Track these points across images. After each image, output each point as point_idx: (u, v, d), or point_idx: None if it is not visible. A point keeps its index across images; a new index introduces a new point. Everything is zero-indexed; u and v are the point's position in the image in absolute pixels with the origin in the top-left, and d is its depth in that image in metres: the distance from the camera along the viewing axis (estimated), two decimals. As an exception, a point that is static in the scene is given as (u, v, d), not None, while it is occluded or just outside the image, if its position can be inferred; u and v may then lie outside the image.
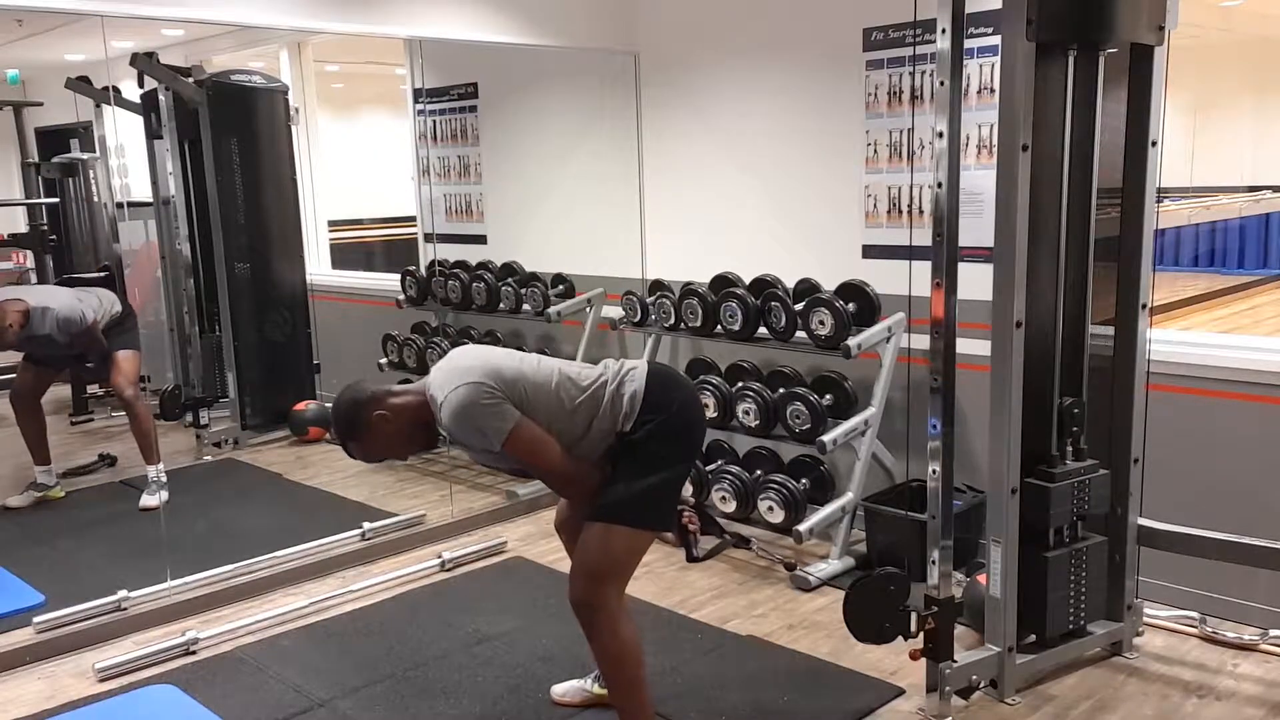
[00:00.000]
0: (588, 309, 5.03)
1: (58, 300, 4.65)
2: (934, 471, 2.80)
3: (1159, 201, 3.11)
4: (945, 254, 2.72)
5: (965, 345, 2.95)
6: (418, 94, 5.78)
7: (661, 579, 3.91)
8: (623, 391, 2.56)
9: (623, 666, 2.57)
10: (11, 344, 4.57)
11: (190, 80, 5.61)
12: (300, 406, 5.91)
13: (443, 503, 4.71)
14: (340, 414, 2.58)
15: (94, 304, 4.73)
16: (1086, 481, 3.01)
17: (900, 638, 2.82)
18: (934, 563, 2.81)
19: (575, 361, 2.83)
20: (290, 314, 6.03)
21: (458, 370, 2.51)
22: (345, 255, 7.54)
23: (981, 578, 3.09)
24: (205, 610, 3.70)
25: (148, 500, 4.68)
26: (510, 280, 5.22)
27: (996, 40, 3.45)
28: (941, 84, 2.67)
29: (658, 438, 2.55)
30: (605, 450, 2.58)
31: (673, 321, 4.45)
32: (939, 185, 2.70)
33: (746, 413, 4.09)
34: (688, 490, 4.17)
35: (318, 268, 6.54)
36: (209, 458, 5.61)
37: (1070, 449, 3.02)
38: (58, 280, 5.79)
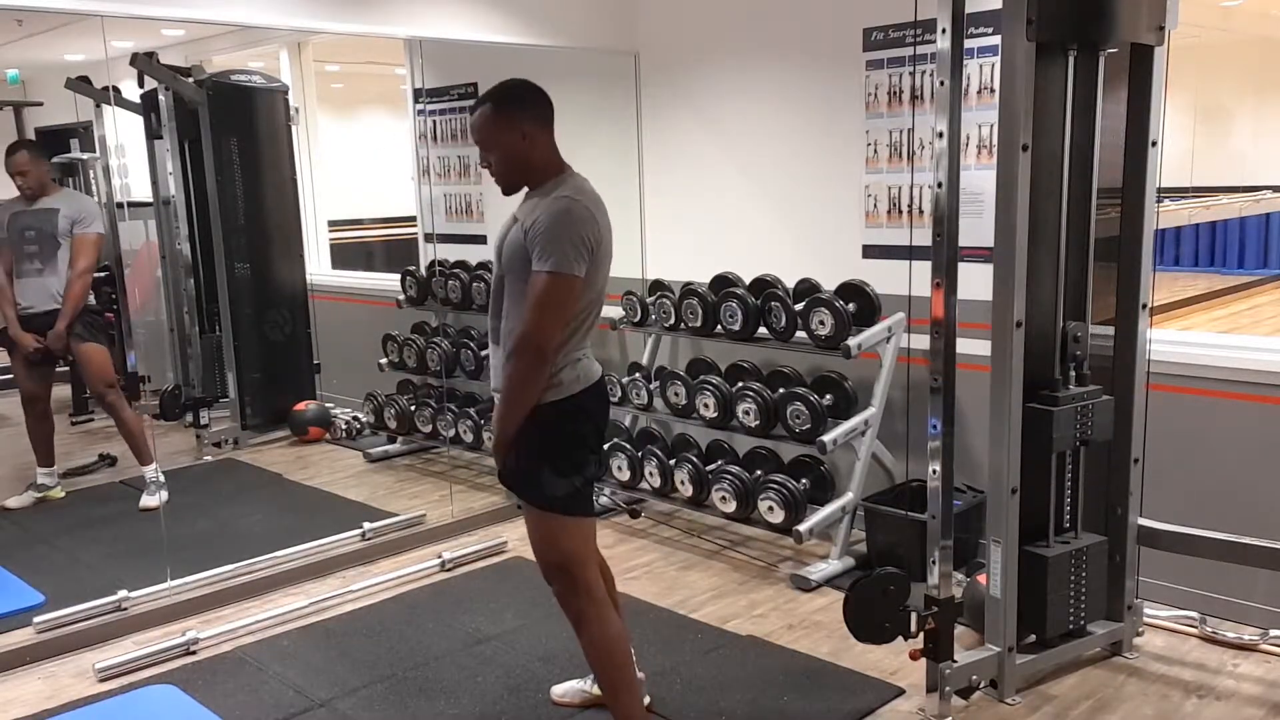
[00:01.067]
0: (588, 309, 5.02)
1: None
2: (934, 471, 2.80)
3: (1159, 201, 3.11)
4: (945, 254, 2.72)
5: (965, 345, 2.95)
6: (418, 94, 5.78)
7: (661, 579, 3.91)
8: (589, 363, 2.56)
9: (610, 657, 2.59)
10: (26, 185, 4.62)
11: (190, 80, 5.61)
12: (300, 406, 5.91)
13: (443, 503, 4.71)
14: (516, 84, 2.50)
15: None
16: (1089, 406, 2.98)
17: (900, 638, 2.82)
18: (934, 563, 2.81)
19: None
20: (290, 314, 6.04)
21: (593, 199, 2.48)
22: (345, 255, 7.55)
23: (981, 578, 3.09)
24: (205, 610, 3.70)
25: (148, 500, 4.68)
26: (510, 280, 5.21)
27: (996, 40, 3.45)
28: (941, 84, 2.67)
29: (572, 432, 2.51)
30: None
31: (673, 321, 4.45)
32: (939, 185, 2.70)
33: (746, 413, 4.09)
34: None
35: (318, 268, 6.54)
36: (209, 458, 5.61)
37: (1073, 374, 2.99)
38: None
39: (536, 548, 2.61)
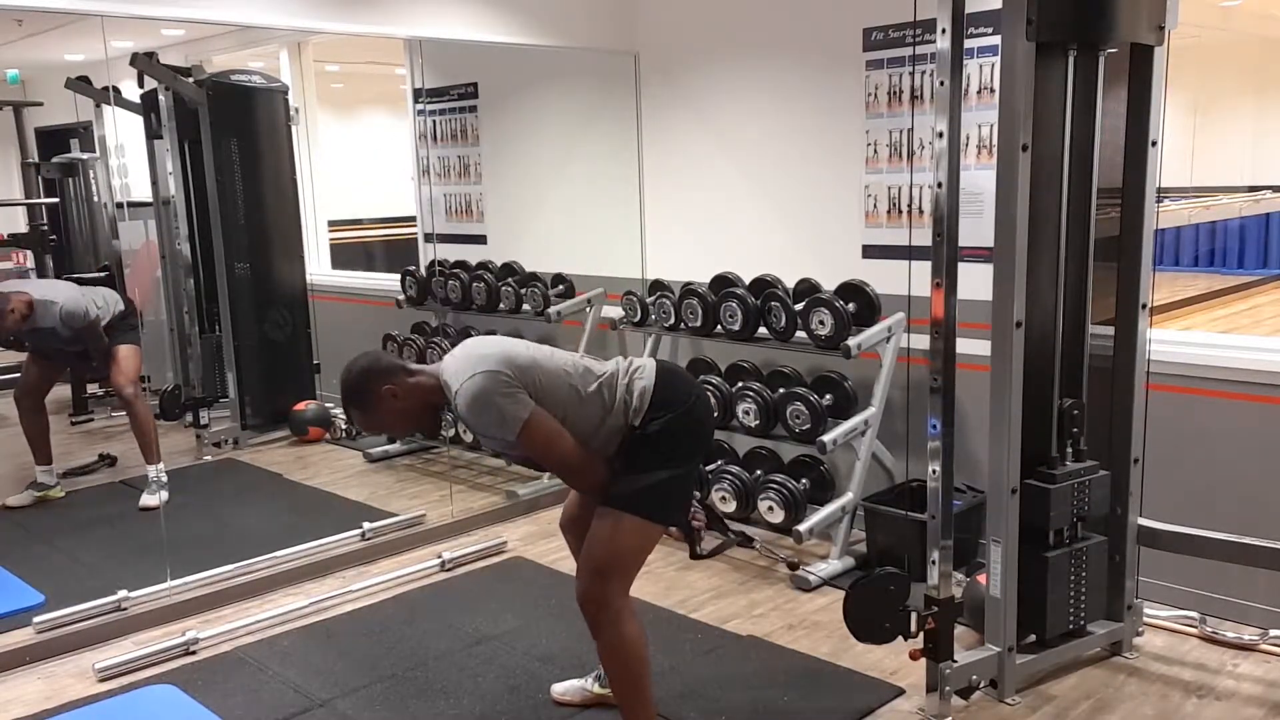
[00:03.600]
0: (588, 309, 5.03)
1: (63, 294, 4.69)
2: (934, 471, 2.80)
3: (1159, 201, 3.11)
4: (945, 254, 2.71)
5: (965, 345, 2.95)
6: (418, 94, 5.78)
7: (661, 579, 3.91)
8: (633, 387, 2.57)
9: (627, 664, 2.58)
10: (13, 330, 4.59)
11: (190, 80, 5.61)
12: (300, 406, 5.91)
13: (443, 503, 4.71)
14: (351, 379, 2.57)
15: (98, 300, 4.77)
16: (1086, 482, 3.01)
17: (900, 638, 2.82)
18: (934, 563, 2.81)
19: (586, 356, 2.84)
20: (290, 314, 6.03)
21: (473, 358, 2.51)
22: (345, 255, 7.54)
23: (981, 578, 3.09)
24: (205, 610, 3.70)
25: (148, 500, 4.68)
26: (510, 280, 5.22)
27: (996, 40, 3.45)
28: (941, 84, 2.67)
29: (668, 434, 2.56)
30: (618, 445, 2.58)
31: (673, 321, 4.45)
32: (939, 185, 2.70)
33: (746, 413, 4.09)
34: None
35: (318, 268, 6.54)
36: (209, 458, 5.61)
37: (1070, 450, 3.02)
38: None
39: (592, 550, 2.57)
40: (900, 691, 3.02)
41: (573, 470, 2.61)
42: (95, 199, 6.37)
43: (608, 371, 2.62)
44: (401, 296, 5.74)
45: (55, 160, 6.38)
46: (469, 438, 5.11)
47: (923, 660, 2.84)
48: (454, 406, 2.52)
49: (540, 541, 4.32)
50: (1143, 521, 3.18)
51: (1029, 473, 2.95)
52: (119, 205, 6.20)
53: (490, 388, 2.45)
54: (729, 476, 4.11)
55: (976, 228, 3.50)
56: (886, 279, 3.93)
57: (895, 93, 4.02)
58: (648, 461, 2.56)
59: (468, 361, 2.51)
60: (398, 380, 2.56)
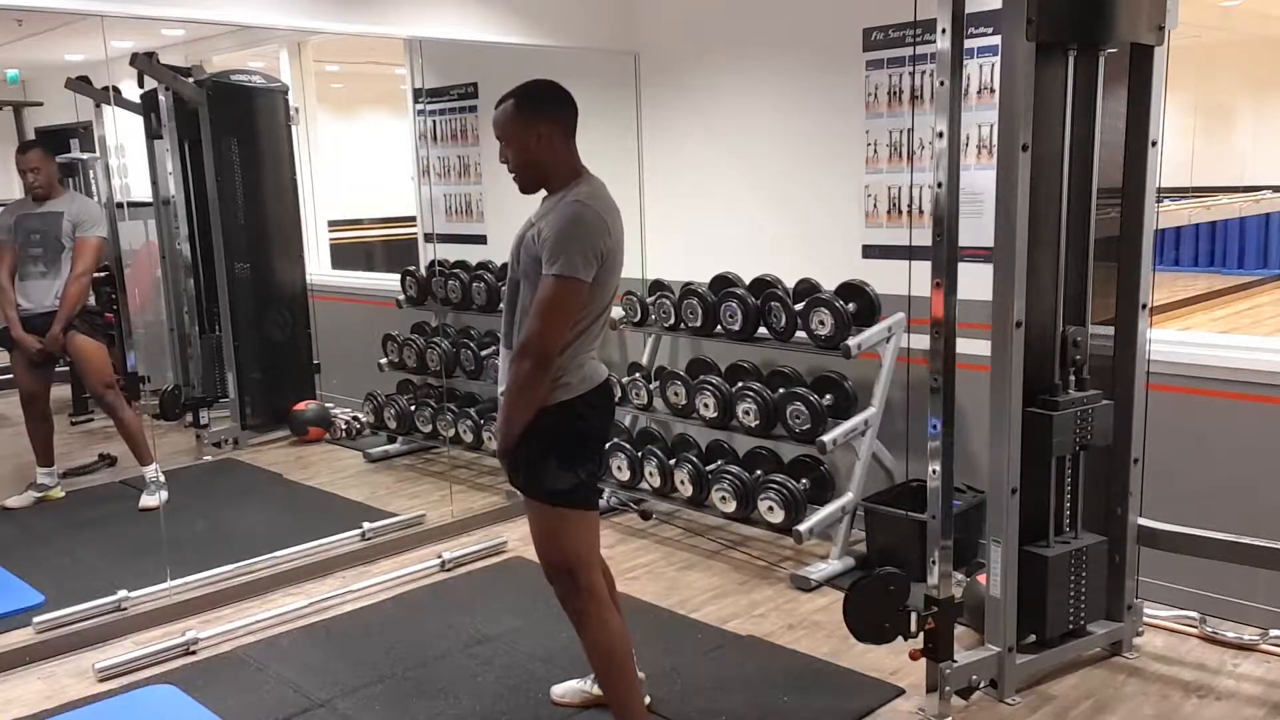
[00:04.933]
0: (588, 309, 5.02)
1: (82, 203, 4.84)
2: (934, 471, 2.80)
3: (1159, 201, 3.11)
4: (945, 254, 2.72)
5: (965, 345, 2.95)
6: (418, 94, 5.78)
7: (661, 579, 3.91)
8: (594, 365, 2.58)
9: (612, 656, 2.59)
10: (36, 186, 4.68)
11: (190, 80, 5.61)
12: (300, 406, 5.91)
13: (443, 503, 4.71)
14: (539, 86, 2.52)
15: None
16: (1089, 410, 2.98)
17: (900, 638, 2.82)
18: (934, 563, 2.81)
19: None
20: (290, 314, 6.04)
21: (609, 204, 2.49)
22: (345, 255, 7.54)
23: (981, 578, 3.09)
24: (205, 610, 3.70)
25: (147, 500, 4.68)
26: (510, 280, 5.21)
27: (996, 40, 3.45)
28: (941, 84, 2.67)
29: (581, 432, 2.55)
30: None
31: (673, 321, 4.45)
32: (939, 185, 2.70)
33: (746, 413, 4.09)
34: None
35: (318, 268, 6.54)
36: (209, 458, 5.61)
37: (1073, 378, 2.99)
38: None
39: (540, 547, 2.61)
40: (900, 691, 3.02)
41: (542, 353, 2.41)
42: (95, 199, 6.36)
43: (597, 341, 2.61)
44: (401, 296, 5.74)
45: (55, 160, 6.37)
46: (469, 438, 5.11)
47: (923, 660, 2.84)
48: (556, 198, 2.46)
49: (540, 541, 4.32)
50: (1143, 521, 3.18)
51: (1031, 401, 2.92)
52: (119, 205, 6.18)
53: (590, 230, 2.39)
54: (729, 476, 4.11)
55: (976, 228, 3.49)
56: (886, 279, 3.93)
57: (895, 93, 4.02)
58: (560, 447, 2.51)
59: (601, 202, 2.46)
60: (559, 134, 2.49)
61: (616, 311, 4.80)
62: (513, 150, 2.53)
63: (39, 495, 4.86)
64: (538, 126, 2.48)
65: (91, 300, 4.88)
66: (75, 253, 4.69)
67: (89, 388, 4.82)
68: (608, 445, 4.19)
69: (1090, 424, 2.99)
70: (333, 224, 7.03)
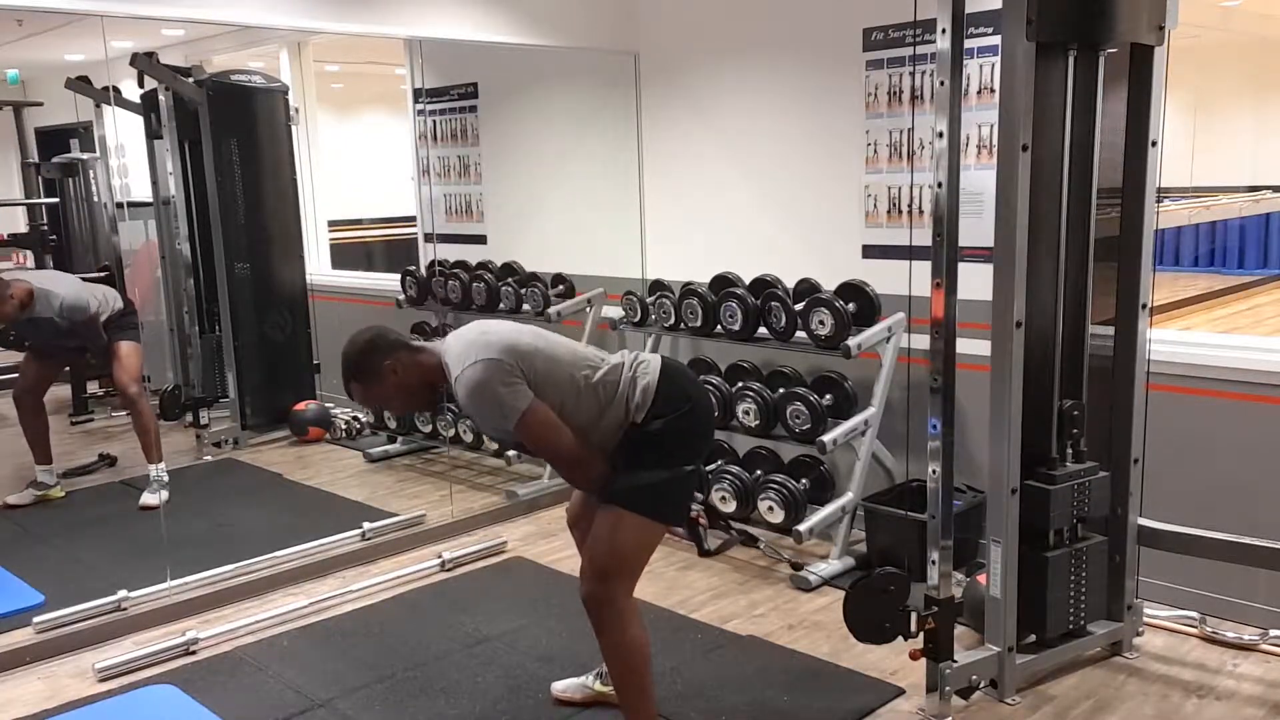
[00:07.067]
0: (588, 309, 5.02)
1: (64, 286, 4.70)
2: (934, 471, 2.80)
3: (1159, 201, 3.11)
4: (945, 254, 2.72)
5: (965, 345, 2.95)
6: (418, 94, 5.78)
7: (661, 579, 3.90)
8: (637, 383, 2.56)
9: (630, 665, 2.58)
10: (11, 319, 4.60)
11: (190, 80, 5.61)
12: (300, 406, 5.91)
13: (443, 503, 4.71)
14: (354, 352, 2.61)
15: (98, 295, 4.78)
16: (1087, 483, 3.01)
17: (900, 638, 2.82)
18: (934, 563, 2.81)
19: (592, 347, 2.82)
20: (290, 314, 6.03)
21: (476, 344, 2.51)
22: (345, 255, 7.54)
23: (981, 578, 3.09)
24: (205, 610, 3.70)
25: (148, 499, 4.68)
26: (510, 280, 5.22)
27: (996, 40, 3.45)
28: (941, 84, 2.67)
29: (669, 433, 2.55)
30: (618, 441, 2.58)
31: (673, 321, 4.45)
32: (939, 185, 2.70)
33: (746, 413, 4.09)
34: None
35: (317, 268, 6.54)
36: (209, 457, 5.61)
37: (1070, 450, 3.02)
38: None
39: (595, 549, 2.57)
40: (900, 691, 3.02)
41: (569, 464, 2.60)
42: (95, 199, 6.36)
43: (611, 364, 2.61)
44: (401, 296, 5.74)
45: (55, 160, 6.38)
46: (469, 438, 5.11)
47: (923, 660, 2.84)
48: (453, 391, 2.52)
49: (540, 541, 4.32)
50: (1143, 521, 3.18)
51: (1029, 474, 2.95)
52: (119, 205, 6.19)
53: (490, 377, 2.44)
54: (729, 476, 4.11)
55: (976, 228, 3.49)
56: (886, 279, 3.93)
57: (895, 93, 4.02)
58: (648, 460, 2.55)
59: (470, 347, 2.50)
60: (400, 357, 2.59)
61: (616, 311, 4.81)
62: (393, 396, 2.67)
63: (39, 494, 4.85)
64: (384, 373, 2.58)
65: (120, 303, 4.87)
66: (87, 335, 4.72)
67: (117, 382, 4.82)
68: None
69: (1088, 496, 3.01)
70: (333, 224, 7.03)
